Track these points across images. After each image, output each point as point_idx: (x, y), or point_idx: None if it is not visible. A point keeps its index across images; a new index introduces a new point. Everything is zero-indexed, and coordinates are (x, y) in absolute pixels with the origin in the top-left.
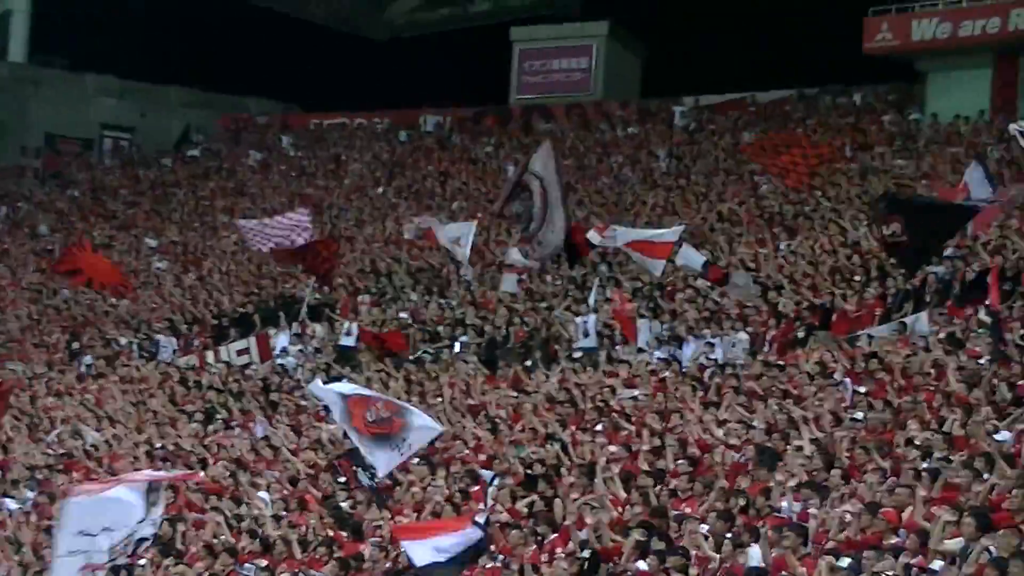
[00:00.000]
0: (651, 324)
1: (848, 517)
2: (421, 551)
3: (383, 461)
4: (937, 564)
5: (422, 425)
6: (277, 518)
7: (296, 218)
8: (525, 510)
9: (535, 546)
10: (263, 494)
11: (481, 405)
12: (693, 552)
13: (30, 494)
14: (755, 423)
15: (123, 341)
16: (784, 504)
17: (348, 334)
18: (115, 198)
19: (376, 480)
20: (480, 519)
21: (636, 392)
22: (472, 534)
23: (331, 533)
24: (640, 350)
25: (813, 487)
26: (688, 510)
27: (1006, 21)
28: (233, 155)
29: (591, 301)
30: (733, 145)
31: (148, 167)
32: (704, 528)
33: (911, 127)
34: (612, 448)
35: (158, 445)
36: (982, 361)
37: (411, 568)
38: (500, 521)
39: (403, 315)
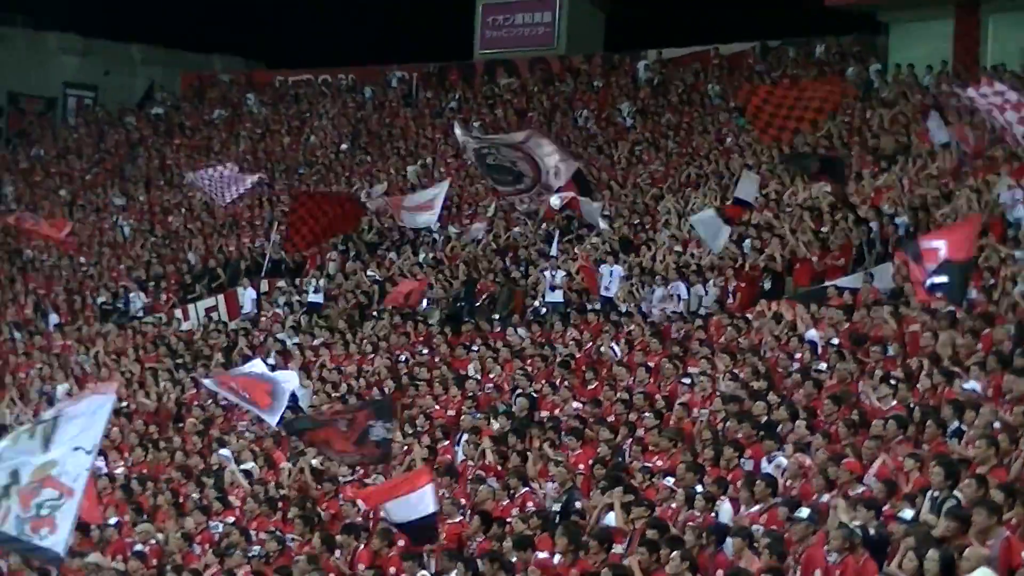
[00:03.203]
0: (613, 269)
1: (812, 466)
2: (397, 510)
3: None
4: (907, 513)
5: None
6: (247, 474)
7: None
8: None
9: (507, 500)
10: (224, 451)
11: (447, 361)
12: (664, 506)
13: None
14: (722, 376)
15: (96, 299)
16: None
17: (316, 291)
18: (80, 157)
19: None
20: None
21: (603, 346)
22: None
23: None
24: (606, 299)
25: (777, 439)
26: (659, 463)
27: None
28: (197, 113)
29: (553, 252)
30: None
31: (112, 125)
32: (671, 481)
33: (874, 78)
34: (578, 403)
35: (123, 404)
36: (943, 311)
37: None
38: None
39: (371, 273)
